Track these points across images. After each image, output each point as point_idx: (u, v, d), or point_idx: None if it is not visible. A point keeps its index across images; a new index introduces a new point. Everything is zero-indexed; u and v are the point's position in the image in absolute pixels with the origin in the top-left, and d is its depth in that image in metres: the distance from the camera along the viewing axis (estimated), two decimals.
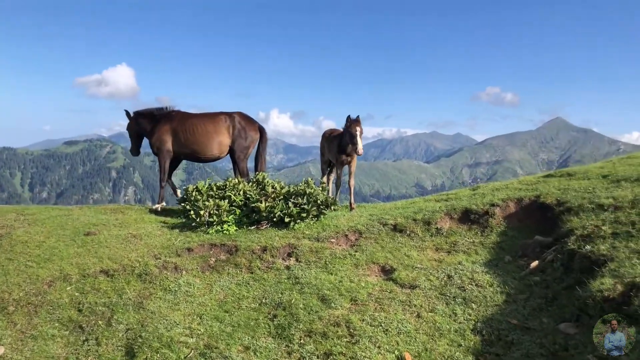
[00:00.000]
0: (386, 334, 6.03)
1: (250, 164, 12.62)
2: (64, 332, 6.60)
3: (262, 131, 12.49)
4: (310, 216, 9.74)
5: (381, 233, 9.29)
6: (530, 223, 9.05)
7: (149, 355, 5.88)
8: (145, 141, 12.78)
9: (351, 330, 6.12)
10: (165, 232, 9.79)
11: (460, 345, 5.74)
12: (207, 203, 9.64)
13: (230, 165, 12.63)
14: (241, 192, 10.25)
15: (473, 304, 6.57)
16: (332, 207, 10.18)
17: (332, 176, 12.50)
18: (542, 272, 7.04)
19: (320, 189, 10.52)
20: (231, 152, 12.23)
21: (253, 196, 9.96)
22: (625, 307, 4.99)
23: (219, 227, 9.58)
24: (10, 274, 7.76)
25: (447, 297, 6.85)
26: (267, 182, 10.71)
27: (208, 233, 9.52)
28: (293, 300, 7.06)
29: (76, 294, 7.41)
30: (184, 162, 13.79)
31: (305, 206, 9.61)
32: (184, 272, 8.20)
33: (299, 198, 9.80)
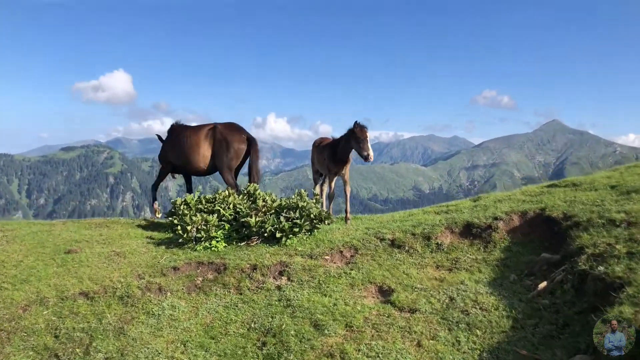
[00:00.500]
0: None
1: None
2: None
3: (250, 141, 11.74)
4: (303, 231, 9.23)
5: (378, 249, 8.79)
6: (535, 238, 8.57)
7: None
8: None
9: None
10: (151, 249, 9.27)
11: None
12: (194, 218, 9.13)
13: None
14: (231, 206, 9.75)
15: (478, 330, 6.08)
16: (326, 222, 9.66)
17: (325, 188, 11.95)
18: (552, 294, 6.55)
19: (314, 201, 10.01)
20: (214, 164, 11.69)
21: (243, 210, 9.46)
22: None
23: (207, 243, 9.07)
24: None
25: (450, 322, 6.36)
26: (259, 194, 10.20)
27: (196, 250, 9.01)
28: (284, 325, 6.57)
29: (53, 318, 6.91)
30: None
31: (298, 220, 9.10)
32: (168, 294, 7.69)
33: (291, 212, 9.30)
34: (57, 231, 10.41)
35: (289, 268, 8.17)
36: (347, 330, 6.39)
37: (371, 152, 10.15)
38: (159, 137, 12.82)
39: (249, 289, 7.80)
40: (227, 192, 10.43)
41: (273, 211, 9.47)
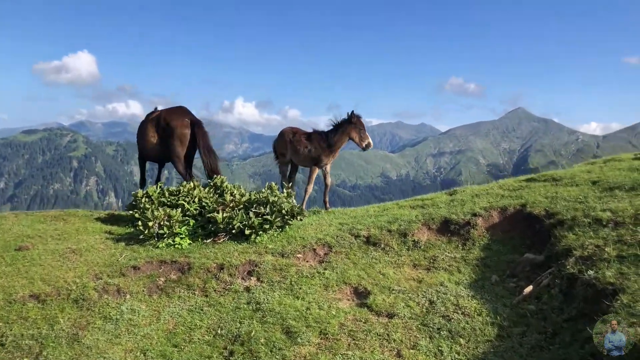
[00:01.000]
0: None
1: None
2: None
3: (194, 124, 10.74)
4: (273, 227, 8.69)
5: (353, 246, 8.36)
6: (516, 235, 8.26)
7: None
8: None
9: None
10: (110, 245, 8.62)
11: None
12: (156, 213, 8.50)
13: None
14: (196, 200, 9.15)
15: (461, 339, 5.70)
16: (299, 217, 9.13)
17: (285, 181, 11.56)
18: (538, 299, 6.21)
19: (285, 195, 9.49)
20: (163, 152, 10.92)
21: (209, 204, 8.86)
22: None
23: (170, 240, 8.47)
24: None
25: (431, 329, 5.97)
26: (226, 187, 9.60)
27: (158, 247, 8.40)
28: (253, 332, 6.10)
29: None
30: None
31: (268, 216, 8.55)
32: (128, 296, 7.12)
33: (261, 207, 8.75)
34: (8, 225, 9.63)
35: (259, 268, 7.66)
36: (321, 339, 5.94)
37: (371, 140, 10.98)
38: None
39: (215, 290, 7.28)
40: (192, 184, 9.79)
41: (242, 206, 8.89)
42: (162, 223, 8.51)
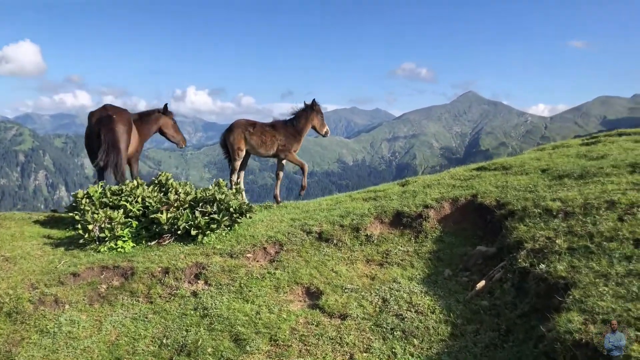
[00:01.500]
0: None
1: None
2: None
3: (90, 118, 10.12)
4: (221, 227, 8.35)
5: (305, 243, 8.11)
6: (468, 226, 8.18)
7: None
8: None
9: None
10: (48, 251, 8.11)
11: None
12: (95, 216, 8.03)
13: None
14: (139, 199, 8.69)
15: (415, 339, 5.55)
16: (248, 215, 8.78)
17: (235, 176, 11.24)
18: (490, 294, 6.11)
19: (234, 191, 9.13)
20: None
21: (153, 204, 8.42)
22: (601, 354, 4.07)
23: (112, 244, 8.03)
24: None
25: (384, 330, 5.80)
26: (171, 185, 9.16)
27: (99, 251, 7.96)
28: (200, 341, 5.82)
29: None
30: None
31: (216, 215, 8.20)
32: (66, 307, 6.69)
33: (208, 205, 8.36)
34: None
35: (207, 270, 7.33)
36: (271, 345, 5.70)
37: (328, 128, 11.60)
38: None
39: (160, 296, 6.93)
40: (135, 182, 9.31)
41: (187, 205, 8.49)
42: (102, 226, 8.04)
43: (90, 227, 7.99)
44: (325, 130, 11.56)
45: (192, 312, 6.51)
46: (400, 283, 6.79)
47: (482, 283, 6.26)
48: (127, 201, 8.61)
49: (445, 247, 7.75)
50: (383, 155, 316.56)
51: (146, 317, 6.48)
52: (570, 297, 4.88)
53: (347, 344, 5.60)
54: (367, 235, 8.26)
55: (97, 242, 8.13)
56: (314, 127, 11.51)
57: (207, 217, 8.18)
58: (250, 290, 6.89)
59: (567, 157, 9.72)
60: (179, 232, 8.16)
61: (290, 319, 6.17)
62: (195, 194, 8.65)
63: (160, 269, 7.34)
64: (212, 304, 6.59)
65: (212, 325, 6.12)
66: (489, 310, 5.84)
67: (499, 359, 4.98)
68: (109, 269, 7.42)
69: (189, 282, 7.23)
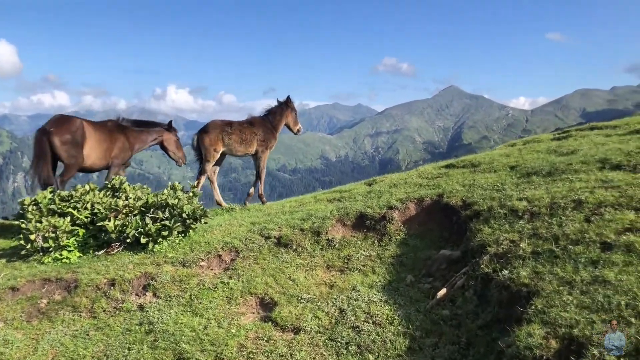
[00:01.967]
0: None
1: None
2: None
3: (45, 132, 9.22)
4: (174, 234, 7.88)
5: (262, 249, 7.68)
6: (434, 228, 7.81)
7: None
8: None
9: None
10: None
11: None
12: (39, 224, 7.50)
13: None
14: (88, 206, 8.16)
15: (370, 355, 5.15)
16: (202, 220, 8.31)
17: (203, 177, 10.91)
18: (452, 302, 5.74)
19: (190, 195, 8.64)
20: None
21: (102, 211, 7.91)
22: None
23: (57, 254, 7.52)
24: None
25: (339, 345, 5.39)
26: (124, 189, 8.63)
27: (43, 263, 7.45)
28: None
29: None
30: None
31: (167, 222, 7.72)
32: (1, 325, 6.19)
33: (159, 211, 7.88)
34: None
35: (156, 281, 6.87)
36: None
37: (301, 126, 11.85)
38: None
39: (104, 311, 6.46)
40: (87, 187, 8.77)
41: (137, 211, 7.99)
42: (46, 235, 7.52)
43: (32, 236, 7.47)
44: (297, 128, 11.73)
45: (137, 327, 6.05)
46: (359, 291, 6.39)
47: (443, 291, 5.88)
48: (74, 208, 8.09)
49: (409, 250, 7.38)
50: (366, 151, 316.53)
51: (87, 334, 6.01)
52: (532, 307, 4.51)
53: None
54: (328, 239, 7.86)
55: (41, 253, 7.62)
56: (287, 125, 11.63)
57: (158, 224, 7.70)
58: (200, 303, 6.45)
59: (537, 153, 9.39)
60: (128, 240, 7.65)
61: (240, 334, 5.74)
62: (147, 199, 8.13)
63: (106, 280, 6.86)
64: (158, 319, 6.14)
65: (156, 343, 5.67)
66: (450, 320, 5.46)
67: None
68: (52, 282, 6.92)
69: (137, 295, 6.77)
